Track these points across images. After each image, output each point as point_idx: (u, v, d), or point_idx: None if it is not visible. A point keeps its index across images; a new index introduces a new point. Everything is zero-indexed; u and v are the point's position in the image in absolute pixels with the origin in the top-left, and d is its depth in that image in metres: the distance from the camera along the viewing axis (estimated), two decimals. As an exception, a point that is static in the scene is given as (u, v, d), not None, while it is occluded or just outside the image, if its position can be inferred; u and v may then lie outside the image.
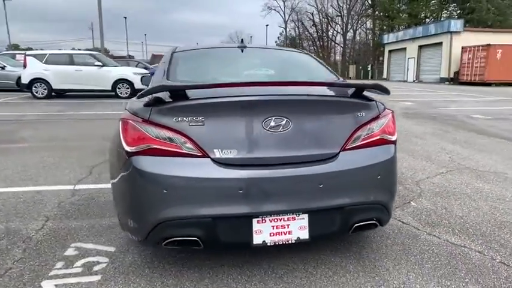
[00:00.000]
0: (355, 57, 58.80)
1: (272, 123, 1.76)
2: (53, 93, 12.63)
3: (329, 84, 2.03)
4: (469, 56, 23.85)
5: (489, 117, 8.62)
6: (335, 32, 65.46)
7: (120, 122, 1.88)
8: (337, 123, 1.88)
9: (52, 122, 7.79)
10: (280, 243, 1.81)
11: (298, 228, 1.82)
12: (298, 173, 1.77)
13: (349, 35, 61.54)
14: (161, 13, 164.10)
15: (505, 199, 3.23)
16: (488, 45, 22.51)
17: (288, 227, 1.81)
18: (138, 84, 12.77)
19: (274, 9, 70.36)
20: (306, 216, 1.81)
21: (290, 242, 1.82)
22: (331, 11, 62.05)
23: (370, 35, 59.85)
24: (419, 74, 30.22)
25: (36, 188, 3.50)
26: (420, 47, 29.79)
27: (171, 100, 1.78)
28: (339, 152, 1.86)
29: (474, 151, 5.07)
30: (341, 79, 2.63)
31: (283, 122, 1.78)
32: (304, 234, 1.83)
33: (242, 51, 2.92)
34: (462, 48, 24.59)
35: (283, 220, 1.80)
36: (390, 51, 35.33)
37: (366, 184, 1.90)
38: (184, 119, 1.74)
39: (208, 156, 1.74)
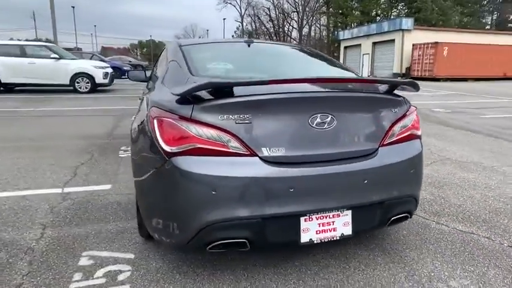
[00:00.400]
0: (312, 53, 60.20)
1: (318, 120, 1.74)
2: (1, 88, 11.56)
3: (369, 81, 2.04)
4: (419, 52, 25.37)
5: (448, 110, 9.25)
6: (291, 27, 66.62)
7: (155, 120, 1.75)
8: (376, 119, 1.90)
9: (10, 120, 7.12)
10: (326, 240, 1.81)
11: (342, 225, 1.82)
12: (344, 169, 1.77)
13: (305, 30, 62.94)
14: (111, 4, 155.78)
15: (491, 187, 3.48)
16: (436, 43, 24.10)
17: (333, 224, 1.80)
18: (99, 79, 12.11)
19: (230, 3, 69.69)
20: (349, 212, 1.82)
21: (335, 238, 1.82)
22: (287, 7, 63.02)
23: (324, 31, 61.64)
24: (373, 69, 31.61)
25: (19, 193, 3.18)
26: (374, 43, 31.15)
27: (212, 97, 1.69)
28: (378, 148, 1.89)
29: (448, 143, 5.42)
30: (360, 75, 2.67)
31: (328, 119, 1.76)
32: (348, 230, 1.83)
33: (249, 46, 2.86)
34: (413, 45, 26.08)
35: (329, 217, 1.79)
36: (346, 48, 36.56)
37: (402, 178, 1.95)
38: (231, 116, 1.65)
39: (257, 155, 1.68)
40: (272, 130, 1.70)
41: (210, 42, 3.01)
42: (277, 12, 66.99)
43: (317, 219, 1.77)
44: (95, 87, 12.20)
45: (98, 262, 2.12)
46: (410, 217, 2.12)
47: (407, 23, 27.33)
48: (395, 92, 2.06)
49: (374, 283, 1.96)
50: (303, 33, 62.03)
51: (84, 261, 2.12)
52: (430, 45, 24.51)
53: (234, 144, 1.66)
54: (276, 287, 1.92)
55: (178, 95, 1.70)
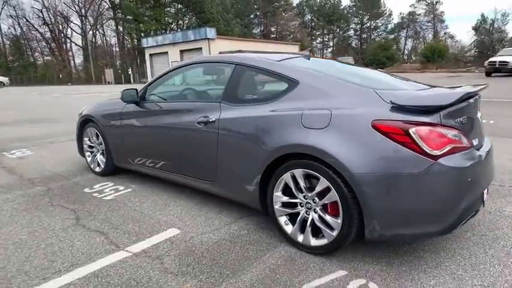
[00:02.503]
0: (109, 61, 56.11)
1: (479, 115, 2.42)
2: None
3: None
4: (226, 59, 28.54)
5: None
6: (73, 32, 59.92)
7: (412, 131, 1.97)
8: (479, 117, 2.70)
9: None
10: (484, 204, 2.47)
11: (485, 192, 2.49)
12: (487, 152, 2.46)
13: (93, 36, 57.93)
14: None
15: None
16: (240, 51, 27.76)
17: (486, 191, 2.47)
18: None
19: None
20: None
21: (485, 202, 2.51)
22: (61, 8, 56.13)
23: (114, 38, 58.72)
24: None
25: (80, 273, 2.25)
26: (182, 51, 32.51)
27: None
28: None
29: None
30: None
31: (479, 114, 2.46)
32: (485, 196, 2.56)
33: (309, 59, 3.16)
34: (220, 53, 28.97)
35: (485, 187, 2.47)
36: (151, 55, 36.39)
37: None
38: (459, 119, 2.11)
39: (472, 146, 2.19)
40: (470, 126, 2.26)
41: (291, 57, 3.04)
42: (50, 15, 58.52)
43: (485, 189, 2.43)
44: None
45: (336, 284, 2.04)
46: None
47: (211, 32, 30.09)
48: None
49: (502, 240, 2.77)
50: (91, 39, 56.85)
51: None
52: (234, 53, 27.95)
53: (464, 140, 2.12)
54: (460, 248, 2.46)
55: (437, 106, 2.00)
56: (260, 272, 2.22)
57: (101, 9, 57.07)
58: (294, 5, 64.16)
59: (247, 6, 58.00)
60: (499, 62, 18.98)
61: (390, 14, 59.33)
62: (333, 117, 2.23)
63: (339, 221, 2.22)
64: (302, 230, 2.43)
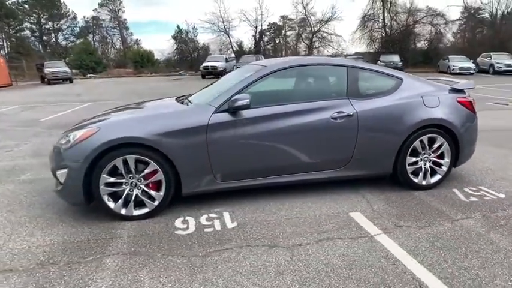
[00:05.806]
0: None
1: None
2: None
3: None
4: None
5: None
6: None
7: (472, 101, 3.84)
8: None
9: None
10: None
11: None
12: None
13: None
14: None
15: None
16: None
17: None
18: None
19: None
20: None
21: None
22: None
23: None
24: None
25: None
26: None
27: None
28: None
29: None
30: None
31: None
32: None
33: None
34: None
35: None
36: None
37: None
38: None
39: None
40: None
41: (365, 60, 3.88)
42: None
43: None
44: None
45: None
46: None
47: None
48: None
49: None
50: None
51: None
52: None
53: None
54: None
55: (464, 88, 3.89)
56: (452, 207, 3.40)
57: None
58: None
59: None
60: (211, 66, 24.29)
61: (75, 17, 56.02)
62: (440, 99, 3.69)
63: (447, 159, 3.75)
64: (424, 177, 3.74)
